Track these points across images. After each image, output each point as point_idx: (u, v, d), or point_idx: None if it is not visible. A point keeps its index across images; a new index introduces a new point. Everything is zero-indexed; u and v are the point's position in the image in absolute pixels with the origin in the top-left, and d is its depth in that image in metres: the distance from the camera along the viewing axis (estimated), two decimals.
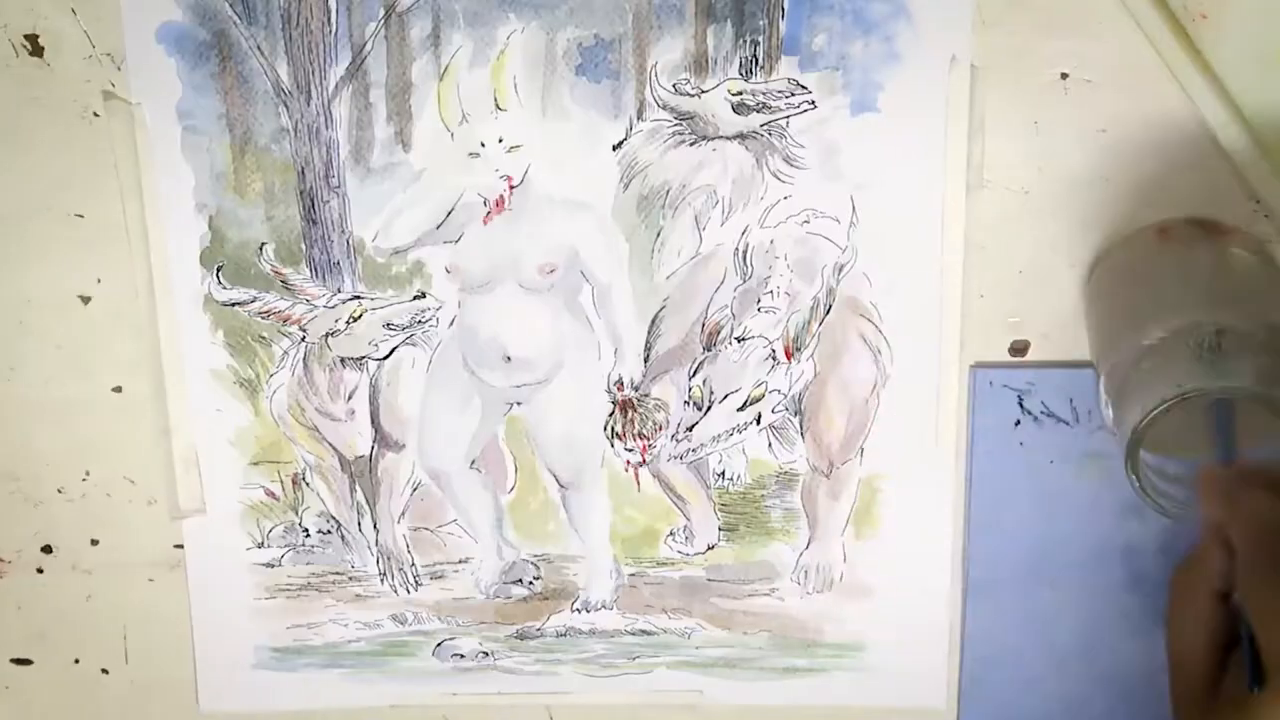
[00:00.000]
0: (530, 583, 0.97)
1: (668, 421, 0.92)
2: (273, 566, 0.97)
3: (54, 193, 0.89)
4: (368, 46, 0.85)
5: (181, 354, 0.92)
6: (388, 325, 0.91)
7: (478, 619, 0.98)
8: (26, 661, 1.00)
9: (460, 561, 0.96)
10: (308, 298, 0.91)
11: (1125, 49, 0.83)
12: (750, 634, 0.97)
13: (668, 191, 0.87)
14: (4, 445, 0.96)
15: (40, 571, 0.98)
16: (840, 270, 0.88)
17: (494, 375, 0.92)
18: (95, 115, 0.87)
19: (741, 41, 0.84)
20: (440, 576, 0.97)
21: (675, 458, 0.92)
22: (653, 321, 0.90)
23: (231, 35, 0.85)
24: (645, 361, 0.91)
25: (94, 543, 0.97)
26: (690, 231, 0.88)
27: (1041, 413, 0.90)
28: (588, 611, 0.97)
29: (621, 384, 0.91)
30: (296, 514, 0.96)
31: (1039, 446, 0.91)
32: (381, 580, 0.97)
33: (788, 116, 0.85)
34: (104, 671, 1.01)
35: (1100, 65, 0.83)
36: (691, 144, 0.86)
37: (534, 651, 0.99)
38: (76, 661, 1.00)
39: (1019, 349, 0.90)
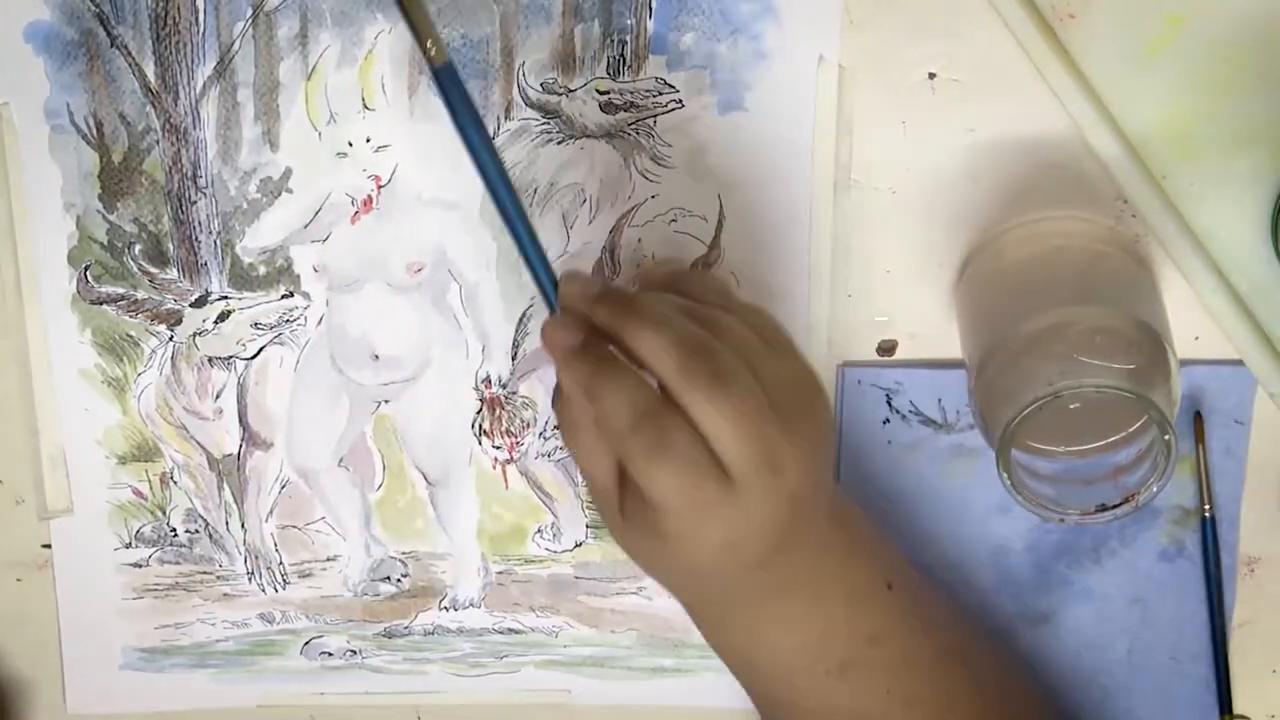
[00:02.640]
0: (398, 580, 0.97)
1: (535, 419, 0.92)
2: (140, 566, 0.96)
3: None
4: (235, 46, 0.85)
5: (49, 353, 0.92)
6: (255, 324, 0.91)
7: (345, 617, 0.98)
8: None
9: (328, 559, 0.96)
10: (175, 297, 0.90)
11: (993, 49, 0.83)
12: (618, 633, 0.97)
13: (535, 190, 0.87)
14: None
15: None
16: (708, 269, 0.89)
17: (362, 373, 0.92)
18: None
19: (609, 41, 0.84)
20: (308, 575, 0.97)
21: (543, 455, 0.92)
22: (520, 320, 0.90)
23: (99, 34, 0.84)
24: (513, 359, 0.91)
25: None
26: (558, 230, 0.88)
27: (910, 412, 0.91)
28: (455, 609, 0.97)
29: (489, 382, 0.91)
30: (164, 513, 0.95)
31: (907, 446, 0.92)
32: (249, 579, 0.97)
33: (655, 115, 0.86)
34: None
35: (968, 65, 0.84)
36: (559, 142, 0.87)
37: (402, 650, 0.98)
38: None
39: (887, 348, 0.90)
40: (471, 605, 0.97)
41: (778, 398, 0.76)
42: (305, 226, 0.88)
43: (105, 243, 0.89)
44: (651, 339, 0.74)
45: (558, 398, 0.77)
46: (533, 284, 0.77)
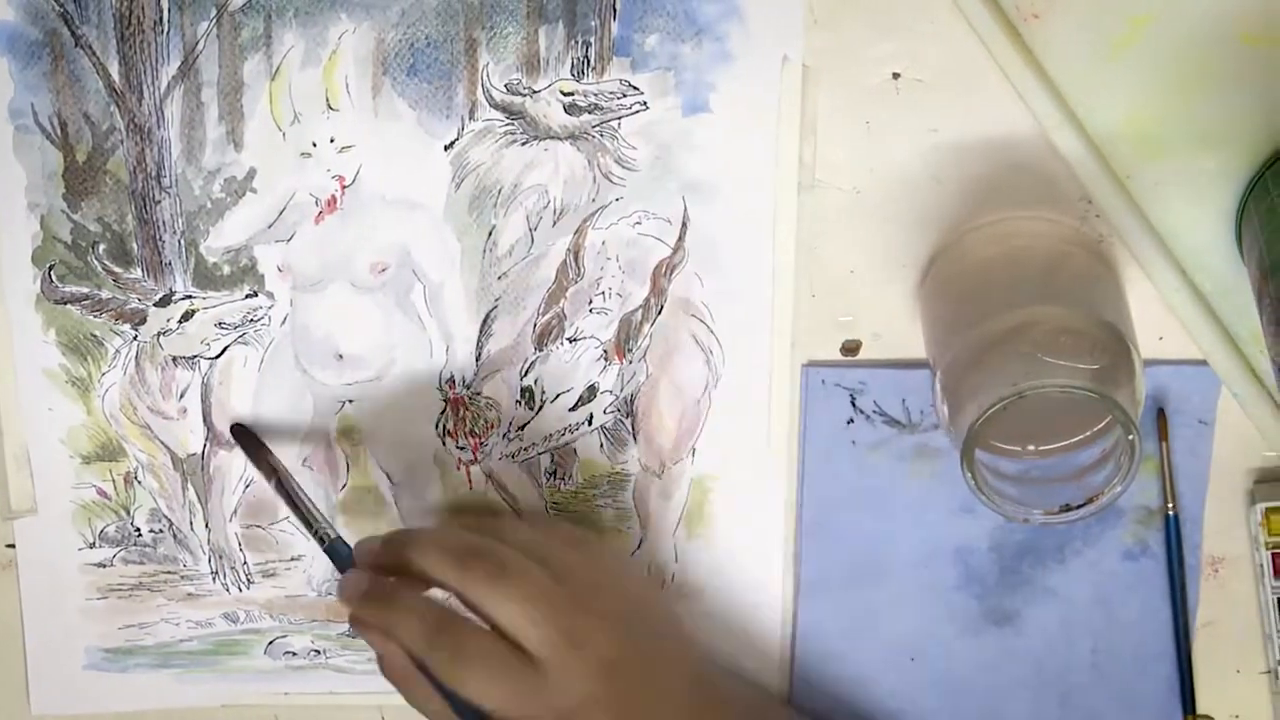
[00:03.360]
0: None
1: (499, 420, 0.93)
2: (104, 566, 0.97)
3: None
4: (200, 46, 0.85)
5: (13, 353, 0.92)
6: (219, 324, 0.91)
7: (309, 616, 0.98)
8: None
9: (292, 559, 0.97)
10: (139, 296, 0.90)
11: (957, 49, 0.84)
12: None
13: (499, 191, 0.87)
14: None
15: None
16: (671, 271, 0.89)
17: (326, 374, 0.92)
18: None
19: (573, 42, 0.85)
20: (272, 574, 0.97)
21: (507, 456, 0.93)
22: (485, 320, 0.90)
23: (63, 34, 0.85)
24: (477, 360, 0.91)
25: None
26: (522, 232, 0.89)
27: (874, 412, 0.91)
28: None
29: (453, 382, 0.92)
30: (129, 513, 0.95)
31: (871, 445, 0.92)
32: (213, 579, 0.97)
33: (619, 117, 0.86)
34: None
35: (932, 66, 0.84)
36: (523, 144, 0.87)
37: (365, 649, 0.93)
38: None
39: (851, 349, 0.90)
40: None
41: (570, 581, 0.84)
42: (269, 226, 0.88)
43: (69, 242, 0.89)
44: (429, 551, 0.82)
45: (381, 665, 0.84)
46: (324, 552, 0.87)
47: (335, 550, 0.88)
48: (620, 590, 0.88)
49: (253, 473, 0.94)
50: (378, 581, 0.84)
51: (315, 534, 0.89)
